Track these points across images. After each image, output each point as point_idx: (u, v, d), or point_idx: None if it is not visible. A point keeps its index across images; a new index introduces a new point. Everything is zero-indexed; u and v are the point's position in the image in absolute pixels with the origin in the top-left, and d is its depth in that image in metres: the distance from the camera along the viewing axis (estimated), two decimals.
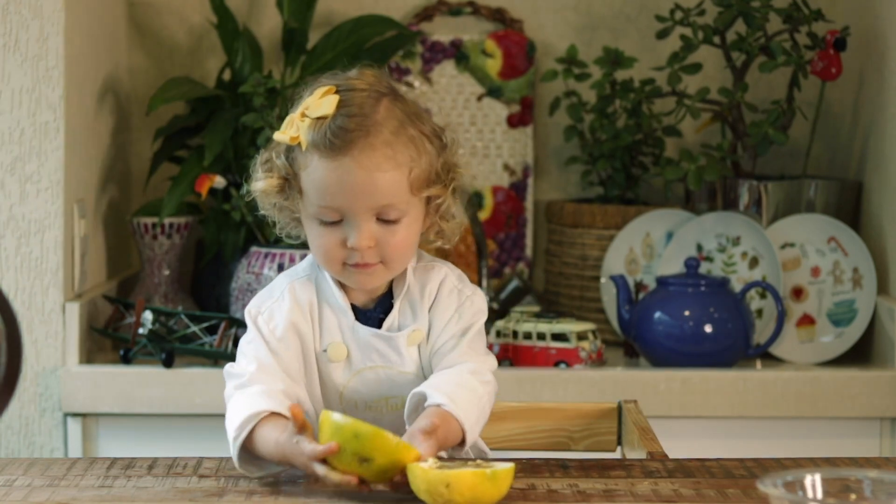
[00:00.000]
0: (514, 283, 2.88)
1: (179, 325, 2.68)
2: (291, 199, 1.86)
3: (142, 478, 1.77)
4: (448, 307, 1.89)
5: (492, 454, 2.00)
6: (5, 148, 2.60)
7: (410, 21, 3.15)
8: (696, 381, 2.64)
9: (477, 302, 1.91)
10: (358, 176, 1.79)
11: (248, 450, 1.78)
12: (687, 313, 2.71)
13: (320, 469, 1.68)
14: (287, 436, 1.72)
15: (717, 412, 2.64)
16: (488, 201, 3.15)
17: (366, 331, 1.88)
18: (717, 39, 2.90)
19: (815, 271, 2.83)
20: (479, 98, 3.16)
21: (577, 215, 2.98)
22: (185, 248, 2.95)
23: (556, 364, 2.73)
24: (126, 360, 2.66)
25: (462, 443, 1.81)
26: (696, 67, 2.91)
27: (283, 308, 1.88)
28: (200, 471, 1.80)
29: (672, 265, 2.86)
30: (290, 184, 1.85)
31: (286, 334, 1.86)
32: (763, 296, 2.82)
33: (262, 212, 1.91)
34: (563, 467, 1.81)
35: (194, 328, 2.65)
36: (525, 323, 2.77)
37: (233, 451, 1.78)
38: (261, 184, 1.87)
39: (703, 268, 2.85)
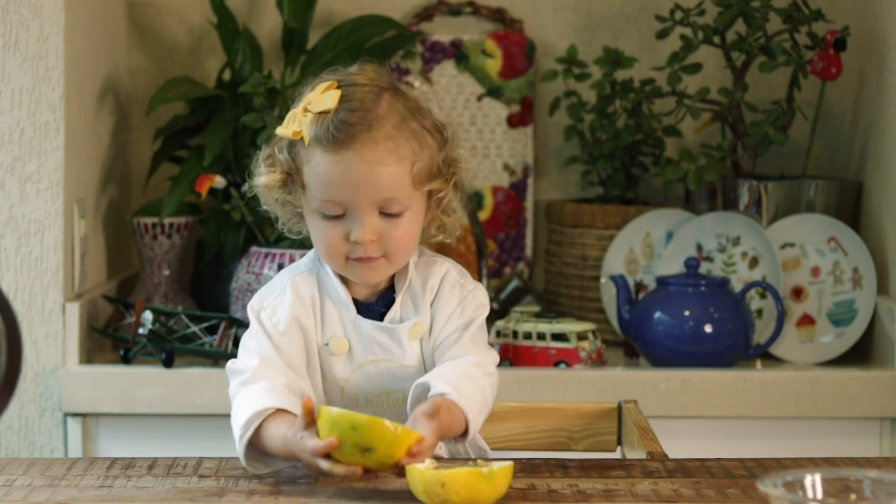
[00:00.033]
0: (514, 283, 2.88)
1: (179, 325, 2.68)
2: (294, 194, 1.87)
3: (142, 478, 1.77)
4: (450, 301, 1.90)
5: (493, 454, 2.00)
6: (5, 148, 2.60)
7: (410, 21, 3.15)
8: (696, 381, 2.64)
9: (479, 296, 1.92)
10: (361, 169, 1.80)
11: (254, 447, 1.78)
12: (687, 313, 2.71)
13: (324, 464, 1.68)
14: (293, 431, 1.73)
15: (717, 412, 2.64)
16: (488, 201, 3.15)
17: (368, 324, 1.89)
18: (717, 39, 2.90)
19: (815, 271, 2.83)
20: (479, 98, 3.16)
21: (577, 215, 2.98)
22: (185, 248, 2.95)
23: (556, 364, 2.73)
24: (126, 360, 2.66)
25: (465, 433, 1.81)
26: (696, 67, 2.91)
27: (286, 302, 1.88)
28: (200, 471, 1.80)
29: (672, 265, 2.86)
30: (292, 178, 1.86)
31: (289, 328, 1.87)
32: (763, 296, 2.82)
33: (264, 207, 1.92)
34: (563, 467, 1.81)
35: (194, 328, 2.65)
36: (525, 323, 2.77)
37: (239, 448, 1.78)
38: (263, 178, 1.88)
39: (703, 268, 2.85)
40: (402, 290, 1.90)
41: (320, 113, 1.81)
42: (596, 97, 2.99)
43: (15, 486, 1.73)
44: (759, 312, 2.82)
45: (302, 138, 1.83)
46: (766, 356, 2.81)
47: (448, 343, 1.89)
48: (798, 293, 2.83)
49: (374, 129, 1.80)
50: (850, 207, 2.91)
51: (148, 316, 2.64)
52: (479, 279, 2.93)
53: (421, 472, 1.62)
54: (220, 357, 2.63)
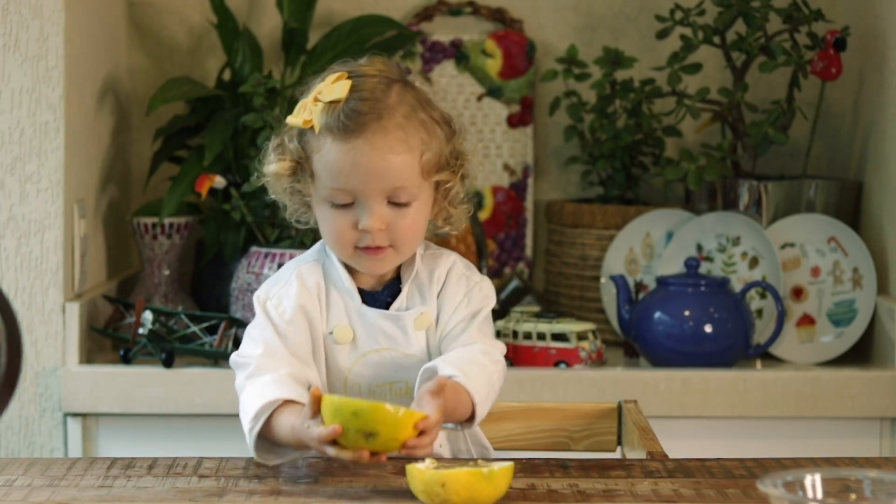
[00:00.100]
0: (514, 283, 2.88)
1: (179, 325, 2.68)
2: (303, 183, 1.89)
3: (142, 478, 1.77)
4: (457, 292, 1.92)
5: (495, 454, 2.01)
6: (5, 148, 2.60)
7: (410, 21, 3.15)
8: (696, 381, 2.64)
9: (485, 288, 1.93)
10: (371, 158, 1.82)
11: (264, 438, 1.80)
12: (687, 313, 2.71)
13: (330, 451, 1.70)
14: (300, 420, 1.74)
15: (717, 412, 2.64)
16: (488, 201, 3.15)
17: (373, 312, 1.90)
18: (717, 39, 2.90)
19: (815, 271, 2.83)
20: (479, 98, 3.16)
21: (577, 215, 2.98)
22: (185, 248, 2.95)
23: (556, 364, 2.73)
24: (126, 360, 2.66)
25: (471, 418, 1.82)
26: (696, 67, 2.91)
27: (291, 292, 1.89)
28: (200, 471, 1.80)
29: (672, 265, 2.86)
30: (301, 167, 1.88)
31: (295, 317, 1.88)
32: (763, 296, 2.82)
33: (272, 196, 1.93)
34: (563, 467, 1.81)
35: (194, 328, 2.65)
36: (525, 323, 2.77)
37: (249, 441, 1.80)
38: (273, 167, 1.89)
39: (703, 268, 2.85)
40: (408, 280, 1.91)
41: (331, 102, 1.84)
42: (596, 97, 2.99)
43: (15, 486, 1.73)
44: (759, 312, 2.82)
45: (312, 127, 1.85)
46: (766, 356, 2.81)
47: (455, 332, 1.90)
48: (798, 293, 2.83)
49: (384, 118, 1.82)
50: (850, 207, 2.91)
51: (148, 316, 2.64)
52: None
53: (421, 472, 1.62)
54: (220, 357, 2.63)
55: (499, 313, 2.85)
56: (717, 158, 2.87)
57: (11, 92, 2.60)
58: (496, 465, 1.62)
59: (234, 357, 1.88)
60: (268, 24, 3.13)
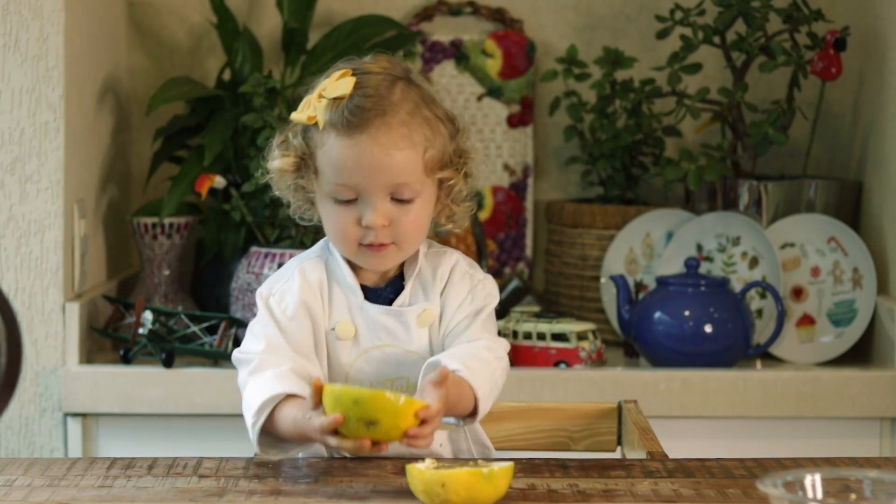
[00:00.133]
0: (514, 283, 2.88)
1: (179, 325, 2.68)
2: (307, 179, 1.89)
3: (142, 478, 1.77)
4: (461, 290, 1.92)
5: (496, 453, 2.01)
6: (5, 148, 2.60)
7: (410, 21, 3.15)
8: (696, 381, 2.64)
9: (489, 286, 1.94)
10: (374, 153, 1.82)
11: (267, 433, 1.80)
12: (687, 313, 2.71)
13: (332, 440, 1.70)
14: (302, 413, 1.75)
15: (717, 412, 2.64)
16: (488, 201, 3.15)
17: (375, 309, 1.90)
18: (717, 39, 2.90)
19: (815, 271, 2.83)
20: (479, 98, 3.16)
21: (577, 215, 2.98)
22: (185, 248, 2.95)
23: (556, 364, 2.73)
24: (126, 360, 2.66)
25: (474, 413, 1.82)
26: (696, 67, 2.91)
27: (294, 288, 1.90)
28: (200, 471, 1.80)
29: (672, 265, 2.86)
30: (305, 163, 1.89)
31: (297, 312, 1.88)
32: (763, 296, 2.82)
33: (276, 192, 1.94)
34: (563, 467, 1.81)
35: (194, 328, 2.65)
36: (525, 323, 2.77)
37: (252, 436, 1.81)
38: (277, 163, 1.90)
39: (703, 268, 2.85)
40: (411, 277, 1.92)
41: (335, 98, 1.84)
42: (596, 97, 2.99)
43: (15, 486, 1.73)
44: (759, 312, 2.82)
45: (316, 123, 1.86)
46: (766, 356, 2.81)
47: (459, 329, 1.90)
48: (798, 293, 2.83)
49: (388, 114, 1.83)
50: (850, 207, 2.91)
51: (148, 316, 2.64)
52: None
53: (421, 472, 1.62)
54: (220, 357, 2.63)
55: (499, 313, 2.84)
56: (717, 158, 2.87)
57: (11, 92, 2.60)
58: (496, 465, 1.62)
59: (236, 353, 1.88)
60: (268, 24, 3.13)
